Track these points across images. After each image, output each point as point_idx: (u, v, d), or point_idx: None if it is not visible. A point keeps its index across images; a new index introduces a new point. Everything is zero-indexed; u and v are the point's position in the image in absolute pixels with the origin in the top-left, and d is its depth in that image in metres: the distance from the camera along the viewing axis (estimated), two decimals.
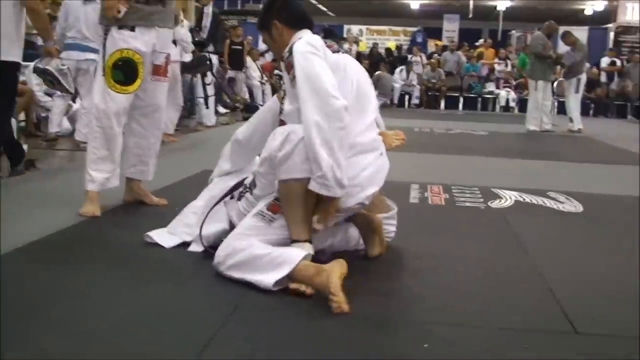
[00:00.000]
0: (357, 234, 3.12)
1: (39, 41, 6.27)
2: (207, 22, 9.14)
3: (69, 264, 2.86)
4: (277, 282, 2.50)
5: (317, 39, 2.86)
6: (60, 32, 6.80)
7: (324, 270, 2.46)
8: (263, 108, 3.53)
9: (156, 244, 3.11)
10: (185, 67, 8.56)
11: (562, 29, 17.79)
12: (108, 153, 3.84)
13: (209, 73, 9.39)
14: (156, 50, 3.89)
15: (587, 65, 13.04)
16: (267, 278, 2.51)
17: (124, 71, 3.76)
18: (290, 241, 2.68)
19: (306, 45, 2.79)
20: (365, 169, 2.82)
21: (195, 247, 3.05)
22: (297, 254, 2.55)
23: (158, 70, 3.98)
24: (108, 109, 3.77)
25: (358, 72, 2.99)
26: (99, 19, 3.86)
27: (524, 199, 4.71)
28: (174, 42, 7.96)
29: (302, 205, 2.68)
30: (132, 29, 3.75)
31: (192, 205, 3.29)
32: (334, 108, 2.63)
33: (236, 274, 2.61)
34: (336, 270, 2.45)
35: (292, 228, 2.69)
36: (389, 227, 3.26)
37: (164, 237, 3.16)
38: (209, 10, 9.32)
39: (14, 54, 4.25)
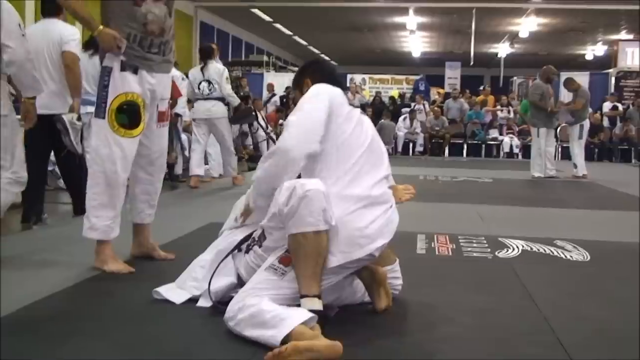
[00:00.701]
0: (362, 287, 3.09)
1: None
2: None
3: (77, 322, 2.85)
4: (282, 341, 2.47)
5: (339, 91, 3.04)
6: None
7: (315, 347, 2.40)
8: None
9: (165, 300, 3.11)
10: (233, 119, 8.98)
11: (563, 74, 18.00)
12: (110, 199, 3.75)
13: (255, 122, 9.83)
14: (159, 97, 3.92)
15: (590, 110, 13.11)
16: (270, 334, 2.50)
17: (128, 115, 3.72)
18: (300, 296, 2.67)
19: (320, 87, 2.99)
20: (374, 221, 2.82)
21: (204, 302, 3.04)
22: (298, 316, 2.52)
23: (162, 117, 4.00)
24: (113, 154, 3.71)
25: (372, 129, 3.12)
26: (101, 60, 3.81)
27: (531, 248, 4.71)
28: (223, 99, 8.35)
29: (312, 259, 2.67)
30: (135, 72, 3.73)
31: (200, 259, 3.26)
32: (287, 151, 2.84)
33: (244, 330, 2.60)
34: (326, 353, 2.40)
35: (302, 282, 2.68)
36: (394, 280, 3.24)
37: (173, 293, 3.15)
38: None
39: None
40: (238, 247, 3.11)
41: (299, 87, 3.27)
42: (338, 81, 3.20)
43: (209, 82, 8.41)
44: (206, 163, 9.96)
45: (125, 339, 2.65)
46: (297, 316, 2.52)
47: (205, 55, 8.64)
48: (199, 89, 8.48)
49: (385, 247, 2.98)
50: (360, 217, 2.79)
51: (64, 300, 3.23)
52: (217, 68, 8.46)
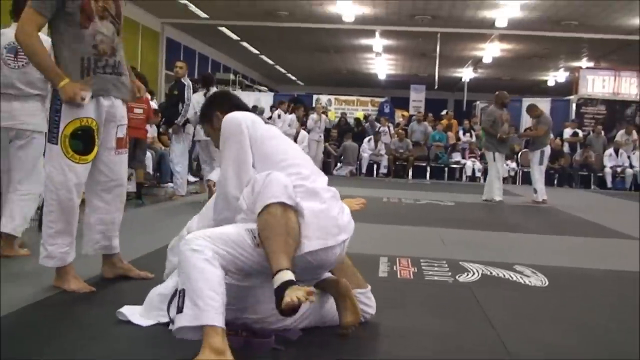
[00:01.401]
0: (334, 310, 3.07)
1: None
2: (189, 94, 9.28)
3: (37, 341, 2.83)
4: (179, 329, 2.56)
5: (248, 114, 3.22)
6: None
7: None
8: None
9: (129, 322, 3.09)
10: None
11: (525, 100, 18.33)
12: (66, 226, 3.68)
13: None
14: (117, 122, 3.84)
15: (551, 136, 13.34)
16: (187, 312, 2.52)
17: (83, 140, 3.64)
18: (272, 275, 2.61)
19: (231, 120, 3.11)
20: (340, 213, 2.96)
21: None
22: (219, 319, 2.50)
23: (121, 143, 3.90)
24: (68, 180, 3.63)
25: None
26: (54, 91, 3.67)
27: (490, 273, 4.78)
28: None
29: (281, 236, 2.66)
30: (91, 98, 3.64)
31: (161, 287, 3.21)
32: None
33: (172, 265, 2.94)
34: None
35: (272, 259, 2.64)
36: (364, 307, 3.24)
37: (138, 317, 3.11)
38: (188, 81, 9.47)
39: None
40: None
41: (208, 121, 3.41)
42: (245, 108, 3.38)
43: None
44: (171, 181, 9.97)
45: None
46: (218, 319, 2.50)
47: (208, 83, 9.48)
48: None
49: (348, 263, 3.13)
50: (332, 207, 2.93)
51: (22, 318, 3.20)
52: None
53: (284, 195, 2.72)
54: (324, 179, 3.12)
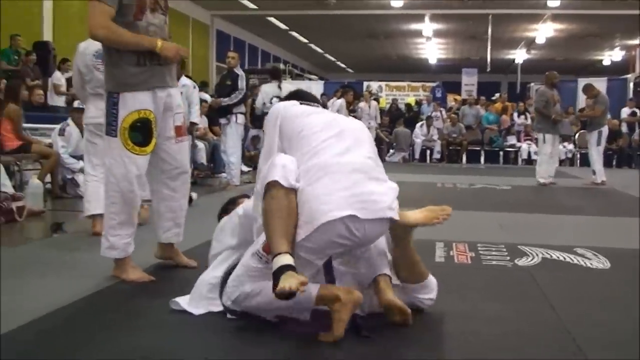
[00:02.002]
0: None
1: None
2: (242, 84, 9.33)
3: (95, 330, 2.87)
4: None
5: (283, 102, 3.25)
6: None
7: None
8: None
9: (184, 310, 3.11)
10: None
11: (581, 80, 17.93)
12: (128, 217, 3.75)
13: None
14: (174, 111, 3.87)
15: (609, 116, 13.03)
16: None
17: (141, 132, 3.68)
18: (272, 257, 2.64)
19: (270, 112, 3.19)
20: (339, 189, 2.73)
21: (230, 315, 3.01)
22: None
23: (180, 131, 3.94)
24: (129, 172, 3.68)
25: (343, 118, 3.25)
26: (110, 86, 3.72)
27: (551, 256, 4.68)
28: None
29: (280, 219, 2.66)
30: (148, 90, 3.68)
31: (209, 276, 3.19)
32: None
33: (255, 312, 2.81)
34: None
35: (271, 243, 2.66)
36: (423, 295, 3.16)
37: (191, 305, 3.12)
38: (241, 72, 9.52)
39: None
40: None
41: None
42: (311, 100, 3.35)
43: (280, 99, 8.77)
44: (224, 171, 10.05)
45: (142, 348, 2.66)
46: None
47: (277, 75, 10.24)
48: (270, 102, 9.30)
49: (410, 257, 3.05)
50: (320, 185, 2.74)
51: (82, 308, 3.25)
52: (289, 88, 8.72)
53: (278, 175, 2.70)
54: (341, 145, 2.90)
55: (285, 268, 2.56)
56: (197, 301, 3.12)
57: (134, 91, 3.66)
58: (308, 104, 3.23)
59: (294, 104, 3.18)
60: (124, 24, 3.63)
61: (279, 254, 2.61)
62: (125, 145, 3.67)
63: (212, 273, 3.18)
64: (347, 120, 3.17)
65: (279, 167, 2.73)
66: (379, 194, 2.79)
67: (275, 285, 2.54)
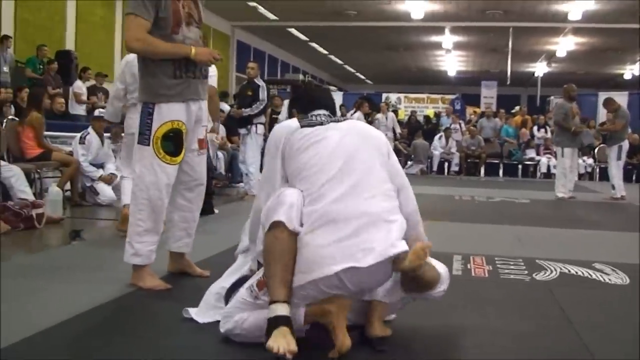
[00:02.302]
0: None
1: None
2: (264, 94, 9.37)
3: (113, 337, 2.88)
4: None
5: (285, 125, 3.06)
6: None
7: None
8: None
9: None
10: None
11: (601, 94, 17.83)
12: (154, 225, 3.79)
13: None
14: (201, 123, 3.94)
15: (629, 130, 12.94)
16: None
17: (174, 142, 3.75)
18: (269, 302, 2.61)
19: (270, 138, 3.08)
20: (338, 240, 2.61)
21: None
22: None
23: (202, 144, 4.01)
24: (159, 180, 3.74)
25: (352, 144, 2.89)
26: (145, 96, 3.80)
27: (569, 271, 4.65)
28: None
29: (280, 262, 2.61)
30: (183, 102, 3.76)
31: (217, 287, 3.19)
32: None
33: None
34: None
35: (270, 287, 2.62)
36: (435, 291, 2.95)
37: (201, 315, 3.12)
38: (262, 82, 9.59)
39: None
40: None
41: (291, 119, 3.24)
42: (318, 102, 3.16)
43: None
44: (242, 181, 10.08)
45: (158, 355, 2.67)
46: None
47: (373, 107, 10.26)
48: None
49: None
50: (320, 235, 2.63)
51: (100, 315, 3.27)
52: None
53: (285, 216, 2.62)
54: (342, 187, 2.73)
55: (281, 320, 2.54)
56: (204, 310, 3.13)
57: (169, 102, 3.74)
58: (310, 122, 3.01)
59: (296, 129, 2.97)
60: (162, 37, 3.70)
61: (277, 301, 2.58)
62: (157, 154, 3.73)
63: (221, 284, 3.19)
64: (355, 142, 2.91)
65: (287, 206, 2.65)
66: (379, 239, 2.64)
67: (267, 336, 2.52)
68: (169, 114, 3.73)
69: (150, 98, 3.76)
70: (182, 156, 3.83)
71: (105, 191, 8.06)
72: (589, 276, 4.54)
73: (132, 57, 5.26)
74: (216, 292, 3.17)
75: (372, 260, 2.58)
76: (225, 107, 11.81)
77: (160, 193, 3.76)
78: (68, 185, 7.90)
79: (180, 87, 3.74)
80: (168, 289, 3.75)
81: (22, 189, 6.66)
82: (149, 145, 3.73)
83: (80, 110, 12.43)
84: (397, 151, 17.26)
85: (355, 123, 3.15)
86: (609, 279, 4.45)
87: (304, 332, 2.72)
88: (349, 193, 2.72)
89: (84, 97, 12.52)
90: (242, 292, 2.82)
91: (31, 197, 6.60)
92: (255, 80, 9.57)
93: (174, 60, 3.72)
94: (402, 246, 2.65)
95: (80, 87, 12.57)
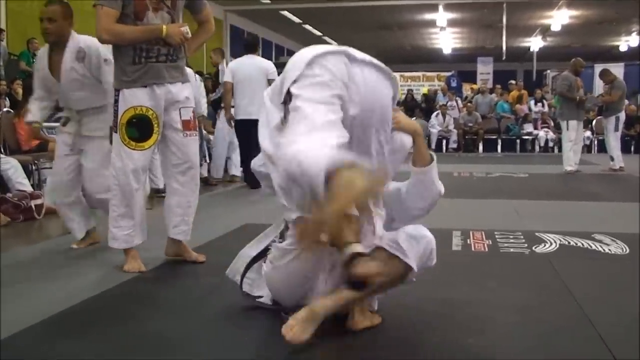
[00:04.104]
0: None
1: None
2: (222, 77, 9.21)
3: (113, 323, 2.89)
4: None
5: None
6: None
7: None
8: None
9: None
10: None
11: (597, 66, 17.78)
12: (127, 210, 3.86)
13: None
14: (181, 105, 3.92)
15: (626, 102, 12.92)
16: None
17: (138, 128, 3.79)
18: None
19: None
20: None
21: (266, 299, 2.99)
22: None
23: (188, 125, 3.99)
24: (125, 167, 3.80)
25: None
26: (114, 83, 3.88)
27: (569, 243, 4.66)
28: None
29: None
30: (144, 87, 3.79)
31: (246, 254, 3.09)
32: None
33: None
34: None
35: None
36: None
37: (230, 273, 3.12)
38: (222, 66, 9.64)
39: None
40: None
41: None
42: None
43: None
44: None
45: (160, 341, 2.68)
46: None
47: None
48: None
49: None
50: None
51: (103, 301, 3.28)
52: None
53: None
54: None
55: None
56: (233, 273, 3.09)
57: (130, 88, 3.79)
58: None
59: None
60: (129, 24, 3.74)
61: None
62: (123, 140, 3.81)
63: (248, 252, 3.07)
64: None
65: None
66: None
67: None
68: (131, 99, 3.78)
69: (115, 85, 3.86)
70: (152, 141, 3.85)
71: None
72: (589, 247, 4.55)
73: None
74: (245, 254, 3.07)
75: None
76: None
77: (127, 178, 3.80)
78: None
79: (139, 72, 3.78)
80: (142, 271, 3.79)
81: (20, 181, 6.65)
82: (117, 132, 3.81)
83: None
84: None
85: None
86: (609, 249, 4.46)
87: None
88: None
89: None
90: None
91: (29, 189, 6.59)
92: (219, 65, 9.64)
93: (135, 46, 3.75)
94: None
95: None
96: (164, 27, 3.74)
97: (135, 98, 3.78)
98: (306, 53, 2.59)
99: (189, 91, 4.03)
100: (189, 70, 8.47)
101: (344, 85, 2.52)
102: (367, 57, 2.69)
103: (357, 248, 2.34)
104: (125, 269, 3.82)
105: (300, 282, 2.71)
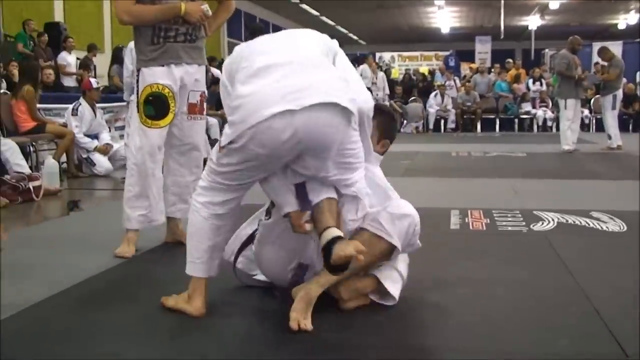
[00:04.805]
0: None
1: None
2: None
3: (113, 304, 2.91)
4: None
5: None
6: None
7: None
8: None
9: None
10: None
11: (596, 44, 17.73)
12: (142, 190, 3.84)
13: None
14: (189, 88, 3.90)
15: (624, 80, 12.89)
16: None
17: (154, 106, 3.78)
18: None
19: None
20: (268, 84, 2.42)
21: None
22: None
23: (194, 109, 3.97)
24: (143, 145, 3.79)
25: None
26: (135, 62, 3.91)
27: (566, 221, 4.67)
28: None
29: None
30: (162, 66, 3.77)
31: (242, 233, 3.07)
32: None
33: None
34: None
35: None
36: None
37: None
38: None
39: None
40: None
41: None
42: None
43: None
44: None
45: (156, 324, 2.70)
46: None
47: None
48: None
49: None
50: (253, 82, 2.44)
51: (100, 283, 3.30)
52: None
53: None
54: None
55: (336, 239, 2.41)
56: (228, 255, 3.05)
57: (148, 66, 3.78)
58: None
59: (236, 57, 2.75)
60: (146, 4, 3.73)
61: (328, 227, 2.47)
62: (140, 119, 3.80)
63: (243, 231, 3.05)
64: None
65: None
66: (322, 81, 2.46)
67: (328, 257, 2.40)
68: (149, 77, 3.77)
69: (136, 64, 3.86)
70: (167, 120, 3.83)
71: (102, 162, 8.05)
72: (587, 225, 4.56)
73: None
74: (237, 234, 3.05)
75: (316, 100, 2.37)
76: (217, 72, 11.72)
77: (144, 157, 3.80)
78: (64, 158, 7.88)
79: (157, 52, 3.76)
80: (127, 257, 3.74)
81: (18, 162, 6.65)
82: (137, 111, 3.82)
83: (71, 82, 12.31)
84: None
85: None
86: (607, 227, 4.47)
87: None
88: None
89: (70, 69, 12.33)
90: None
91: (27, 171, 6.59)
92: None
93: (153, 27, 3.74)
94: (349, 103, 2.45)
95: (64, 58, 12.30)
96: (183, 4, 3.71)
97: (153, 76, 3.77)
98: None
99: (202, 74, 4.00)
100: None
101: None
102: None
103: (334, 232, 2.40)
104: (115, 252, 3.79)
105: (289, 257, 2.74)
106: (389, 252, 2.70)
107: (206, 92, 4.07)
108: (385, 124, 3.03)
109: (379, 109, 2.94)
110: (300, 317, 2.50)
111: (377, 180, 2.86)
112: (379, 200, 2.80)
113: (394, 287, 2.75)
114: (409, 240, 2.74)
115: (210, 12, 3.84)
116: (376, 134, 2.94)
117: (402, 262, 2.83)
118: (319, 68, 2.52)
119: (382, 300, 2.76)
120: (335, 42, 2.79)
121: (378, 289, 2.76)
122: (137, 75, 3.83)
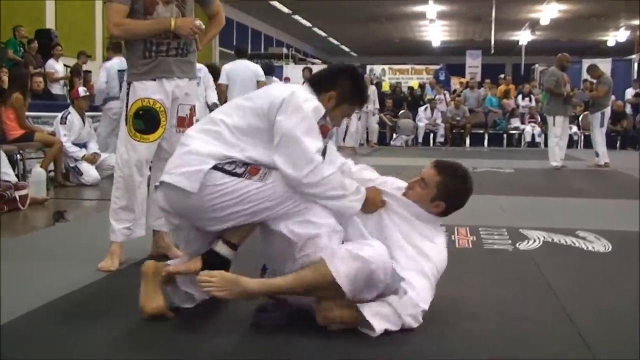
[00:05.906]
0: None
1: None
2: None
3: (100, 317, 2.89)
4: None
5: None
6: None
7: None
8: None
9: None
10: None
11: (585, 61, 17.84)
12: (128, 202, 3.85)
13: None
14: (179, 102, 3.91)
15: (613, 97, 12.97)
16: None
17: (144, 120, 3.79)
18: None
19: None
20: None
21: None
22: None
23: (183, 122, 3.97)
24: (130, 158, 3.80)
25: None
26: (127, 76, 3.91)
27: (552, 240, 4.68)
28: None
29: None
30: (153, 80, 3.79)
31: None
32: None
33: None
34: None
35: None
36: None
37: None
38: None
39: None
40: None
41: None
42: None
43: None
44: None
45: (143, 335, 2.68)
46: None
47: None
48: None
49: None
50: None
51: (85, 295, 3.28)
52: None
53: None
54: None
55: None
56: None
57: (140, 80, 3.80)
58: None
59: None
60: (139, 19, 3.76)
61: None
62: (129, 132, 3.81)
63: None
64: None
65: None
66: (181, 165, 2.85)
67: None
68: (140, 91, 3.79)
69: (128, 77, 3.87)
70: (157, 134, 3.84)
71: (89, 171, 8.02)
72: (572, 244, 4.57)
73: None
74: None
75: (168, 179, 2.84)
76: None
77: (130, 170, 3.81)
78: (52, 166, 7.85)
79: (149, 66, 3.78)
80: (110, 271, 3.73)
81: (5, 171, 6.61)
82: (126, 124, 3.82)
83: (59, 89, 12.24)
84: (382, 124, 17.23)
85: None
86: (592, 247, 4.49)
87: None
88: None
89: (57, 76, 12.26)
90: None
91: (14, 179, 6.56)
92: None
93: (145, 41, 3.76)
94: (178, 180, 2.79)
95: (52, 66, 12.22)
96: (173, 20, 3.73)
97: (144, 90, 3.79)
98: None
99: (193, 88, 4.03)
100: (198, 65, 8.58)
101: None
102: None
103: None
104: (99, 265, 3.77)
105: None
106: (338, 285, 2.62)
107: (196, 106, 4.08)
108: (449, 186, 3.13)
109: (449, 167, 3.17)
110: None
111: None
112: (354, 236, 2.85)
113: (379, 322, 2.66)
114: (363, 285, 2.67)
115: (203, 27, 3.85)
116: (434, 192, 3.02)
117: (411, 307, 2.73)
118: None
119: (365, 329, 2.69)
120: (293, 98, 2.80)
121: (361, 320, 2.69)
122: (128, 89, 3.83)
